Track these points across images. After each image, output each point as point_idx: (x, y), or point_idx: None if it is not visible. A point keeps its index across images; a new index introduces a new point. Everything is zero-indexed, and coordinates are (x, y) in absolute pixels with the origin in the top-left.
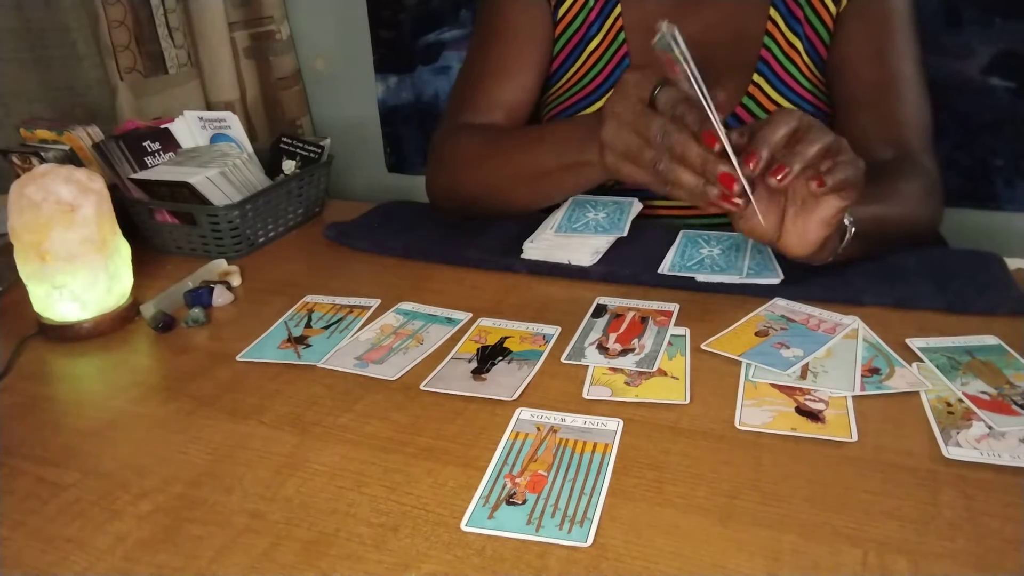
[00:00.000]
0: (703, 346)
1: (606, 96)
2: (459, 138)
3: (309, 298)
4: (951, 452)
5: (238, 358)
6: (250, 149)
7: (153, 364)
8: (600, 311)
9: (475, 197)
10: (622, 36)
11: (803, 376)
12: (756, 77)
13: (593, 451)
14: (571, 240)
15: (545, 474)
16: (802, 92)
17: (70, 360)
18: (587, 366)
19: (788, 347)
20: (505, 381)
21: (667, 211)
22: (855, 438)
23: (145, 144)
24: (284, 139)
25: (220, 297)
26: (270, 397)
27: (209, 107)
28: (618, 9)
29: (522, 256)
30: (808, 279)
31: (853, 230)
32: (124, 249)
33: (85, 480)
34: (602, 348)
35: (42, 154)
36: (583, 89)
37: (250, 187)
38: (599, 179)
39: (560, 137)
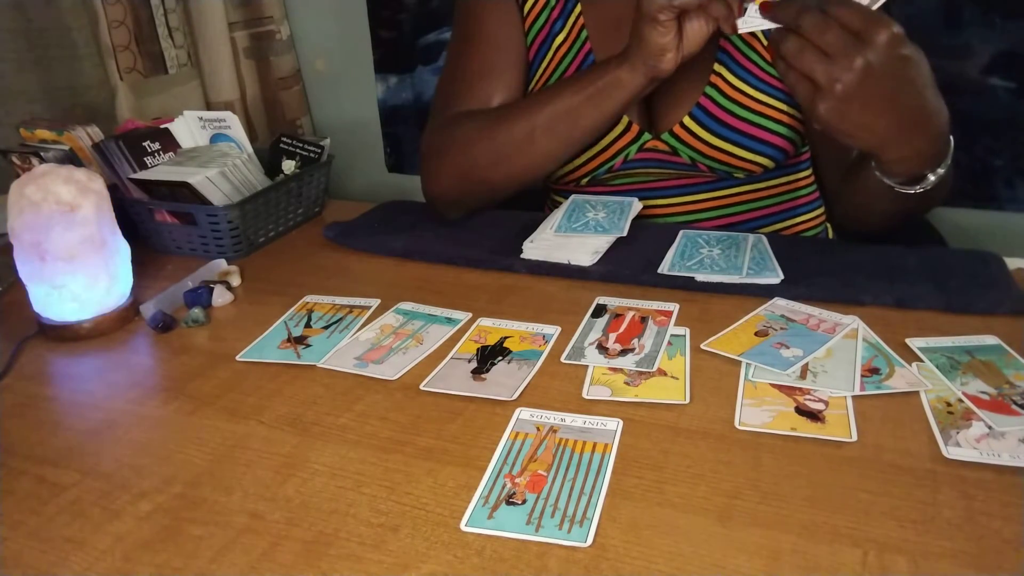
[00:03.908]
0: (703, 346)
1: None
2: (461, 121)
3: (309, 298)
4: (951, 452)
5: (238, 358)
6: (250, 149)
7: (153, 364)
8: (600, 311)
9: (491, 164)
10: (584, 34)
11: (803, 376)
12: (717, 67)
13: (593, 451)
14: (571, 240)
15: (545, 474)
16: (765, 77)
17: (70, 360)
18: (587, 366)
19: (788, 347)
20: (505, 381)
21: (667, 211)
22: (855, 438)
23: (145, 144)
24: (284, 139)
25: (220, 297)
26: (270, 397)
27: (209, 107)
28: (578, 8)
29: (522, 256)
30: (808, 279)
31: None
32: (124, 249)
33: (85, 480)
34: (602, 348)
35: (42, 154)
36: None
37: (250, 187)
38: (626, 99)
39: (580, 75)
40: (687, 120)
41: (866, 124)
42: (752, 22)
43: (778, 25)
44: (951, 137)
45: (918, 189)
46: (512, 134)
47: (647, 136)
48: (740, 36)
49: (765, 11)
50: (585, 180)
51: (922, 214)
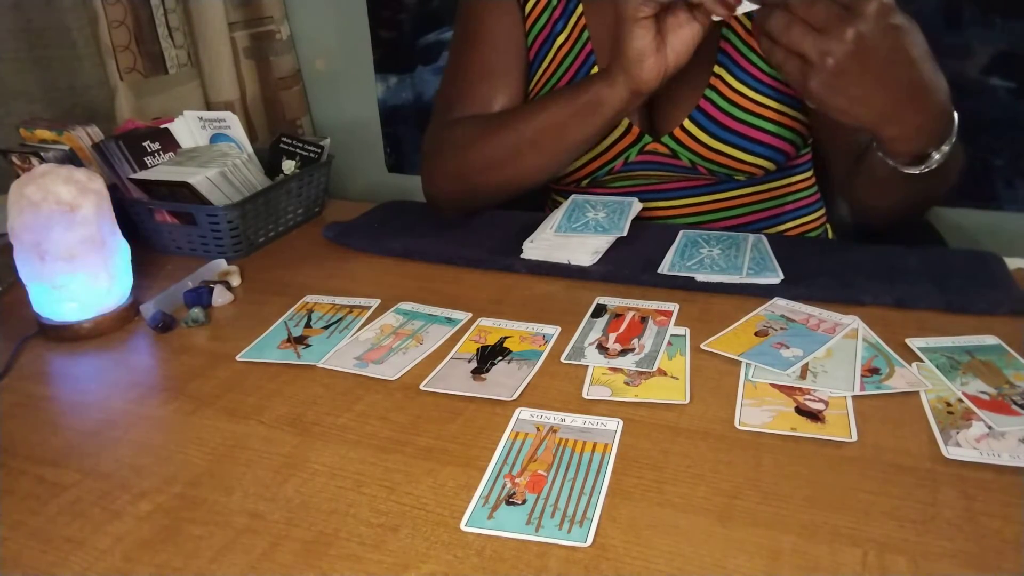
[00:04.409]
0: (703, 346)
1: None
2: (461, 123)
3: (309, 298)
4: (951, 452)
5: (238, 358)
6: (250, 149)
7: (153, 364)
8: (600, 311)
9: (483, 170)
10: (586, 34)
11: (803, 376)
12: (717, 68)
13: (593, 451)
14: (571, 240)
15: (545, 474)
16: (765, 79)
17: (70, 360)
18: (587, 366)
19: (788, 347)
20: (505, 381)
21: (667, 213)
22: (855, 438)
23: (145, 144)
24: (284, 139)
25: (220, 297)
26: (270, 397)
27: (209, 107)
28: (580, 9)
29: (522, 256)
30: (808, 279)
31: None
32: (124, 249)
33: (85, 480)
34: (602, 348)
35: (42, 154)
36: (557, 84)
37: (250, 187)
38: (611, 115)
39: (569, 89)
40: (687, 123)
41: (860, 98)
42: (744, 5)
43: (761, 5)
44: (955, 113)
45: (923, 169)
46: (503, 145)
47: (647, 139)
48: (740, 37)
49: None
50: (586, 181)
51: (937, 198)
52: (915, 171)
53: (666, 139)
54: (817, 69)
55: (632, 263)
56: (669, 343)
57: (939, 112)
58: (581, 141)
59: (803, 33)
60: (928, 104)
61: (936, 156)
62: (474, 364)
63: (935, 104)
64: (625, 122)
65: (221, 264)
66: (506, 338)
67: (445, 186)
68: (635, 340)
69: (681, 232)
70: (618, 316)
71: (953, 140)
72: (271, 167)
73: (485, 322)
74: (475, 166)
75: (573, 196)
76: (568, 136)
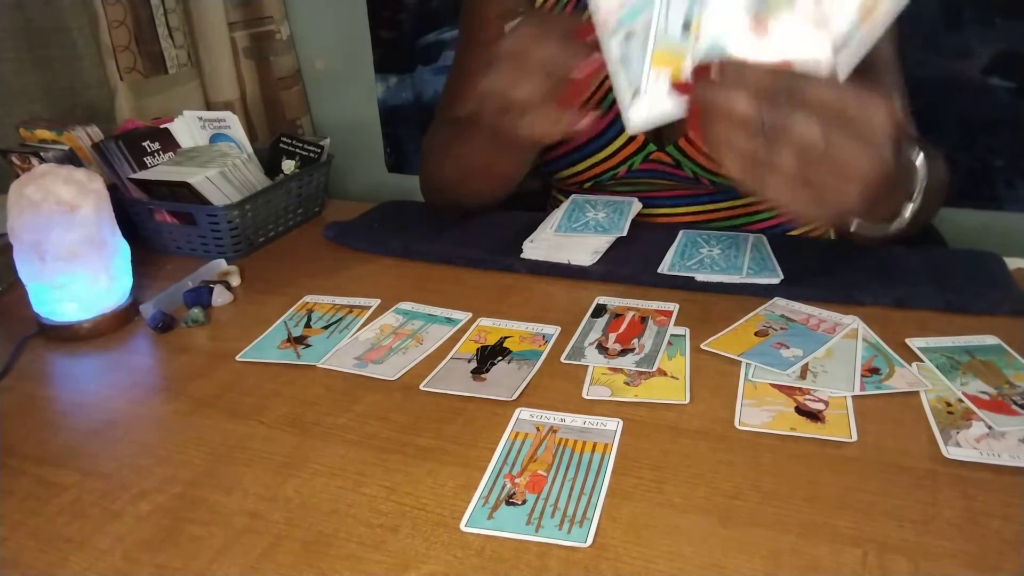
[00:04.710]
0: (703, 346)
1: None
2: (438, 130)
3: (309, 298)
4: (951, 452)
5: (238, 358)
6: (250, 149)
7: (153, 364)
8: (600, 311)
9: (445, 186)
10: None
11: (803, 376)
12: None
13: (593, 451)
14: (571, 240)
15: (545, 474)
16: None
17: (70, 360)
18: (587, 366)
19: (788, 347)
20: (505, 381)
21: (669, 219)
22: (855, 438)
23: (144, 144)
24: (284, 139)
25: (220, 297)
26: (270, 397)
27: (209, 107)
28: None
29: (522, 256)
30: (808, 279)
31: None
32: (124, 249)
33: (85, 480)
34: (602, 348)
35: (42, 154)
36: None
37: (250, 187)
38: (529, 156)
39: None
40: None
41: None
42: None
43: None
44: (919, 158)
45: (895, 227)
46: (453, 170)
47: (652, 147)
48: None
49: (696, 82)
50: (588, 184)
51: (929, 218)
52: (887, 230)
53: (671, 149)
54: (818, 202)
55: (632, 263)
56: (669, 343)
57: (906, 167)
58: (513, 173)
59: (806, 160)
60: (895, 171)
61: (907, 210)
62: (474, 364)
63: (903, 166)
64: None
65: (221, 264)
66: (506, 338)
67: (424, 189)
68: (635, 340)
69: (681, 232)
70: (618, 316)
71: (923, 185)
72: (271, 167)
73: (485, 322)
74: (437, 184)
75: (573, 196)
76: (499, 169)
